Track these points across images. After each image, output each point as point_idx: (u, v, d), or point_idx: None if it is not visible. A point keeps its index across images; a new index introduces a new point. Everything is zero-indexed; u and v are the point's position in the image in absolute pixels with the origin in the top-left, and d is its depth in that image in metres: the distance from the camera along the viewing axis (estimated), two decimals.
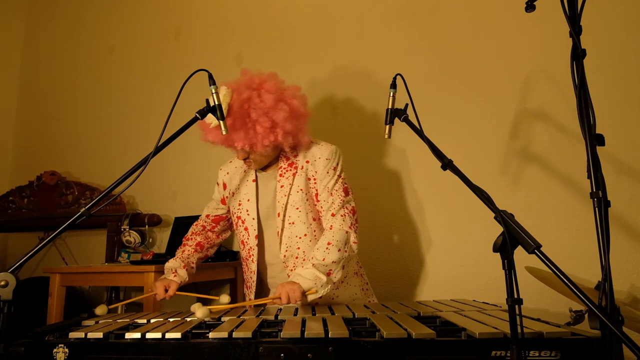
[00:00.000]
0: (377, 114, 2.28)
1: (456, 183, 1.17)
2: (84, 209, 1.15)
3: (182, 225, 2.62)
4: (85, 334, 1.08)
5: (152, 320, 1.27)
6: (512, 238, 0.91)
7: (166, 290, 1.54)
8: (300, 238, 1.59)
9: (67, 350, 1.05)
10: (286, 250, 1.59)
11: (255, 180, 1.67)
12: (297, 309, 1.39)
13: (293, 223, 1.59)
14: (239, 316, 1.29)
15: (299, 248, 1.59)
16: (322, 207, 1.59)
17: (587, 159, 0.91)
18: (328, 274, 1.43)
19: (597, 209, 0.88)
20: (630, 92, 1.84)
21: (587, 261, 1.78)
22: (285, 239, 1.59)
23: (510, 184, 2.01)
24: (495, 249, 0.93)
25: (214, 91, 1.35)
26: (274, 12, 2.67)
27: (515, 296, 0.87)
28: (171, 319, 1.26)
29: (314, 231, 1.60)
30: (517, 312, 0.86)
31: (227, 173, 1.75)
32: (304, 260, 1.57)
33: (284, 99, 1.53)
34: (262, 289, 1.70)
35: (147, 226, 2.71)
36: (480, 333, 0.98)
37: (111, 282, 2.30)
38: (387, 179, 2.21)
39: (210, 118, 1.41)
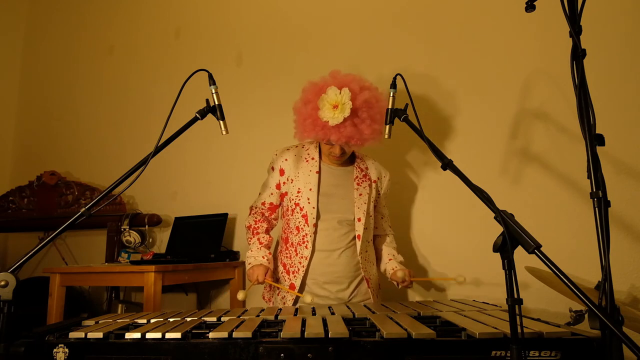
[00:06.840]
0: None
1: (456, 183, 1.17)
2: (84, 209, 1.15)
3: (182, 225, 2.63)
4: (85, 334, 1.08)
5: (152, 320, 1.27)
6: (512, 238, 0.91)
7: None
8: (368, 242, 1.78)
9: (67, 350, 1.06)
10: (360, 253, 1.71)
11: (319, 172, 1.73)
12: (297, 309, 1.39)
13: (367, 228, 1.74)
14: (239, 316, 1.29)
15: (367, 251, 1.76)
16: (379, 216, 1.86)
17: (587, 159, 0.91)
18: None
19: (597, 209, 0.88)
20: (630, 92, 1.84)
21: (587, 261, 1.78)
22: (361, 242, 1.71)
23: (510, 184, 2.01)
24: (495, 249, 0.93)
25: (214, 91, 1.35)
26: (274, 12, 2.67)
27: (515, 296, 0.87)
28: (171, 319, 1.26)
29: (372, 236, 1.83)
30: (517, 312, 0.86)
31: (286, 159, 1.77)
32: (369, 261, 1.76)
33: (381, 99, 1.64)
34: (306, 274, 1.71)
35: (147, 226, 2.71)
36: (480, 333, 0.98)
37: (111, 282, 2.30)
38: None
39: (327, 116, 1.53)
